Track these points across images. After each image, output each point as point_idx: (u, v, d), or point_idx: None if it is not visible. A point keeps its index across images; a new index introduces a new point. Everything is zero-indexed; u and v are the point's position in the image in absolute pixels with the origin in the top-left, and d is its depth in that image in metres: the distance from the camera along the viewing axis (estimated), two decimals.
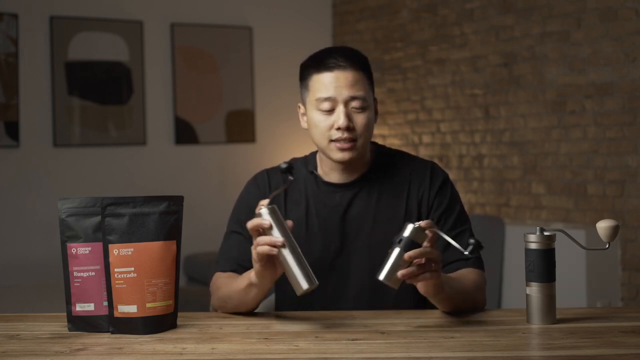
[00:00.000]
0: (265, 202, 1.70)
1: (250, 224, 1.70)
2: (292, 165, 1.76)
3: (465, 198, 5.04)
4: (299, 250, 1.70)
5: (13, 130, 4.98)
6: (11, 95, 4.97)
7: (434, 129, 5.29)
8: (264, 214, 1.69)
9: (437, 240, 1.69)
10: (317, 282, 1.69)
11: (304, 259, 1.69)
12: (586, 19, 4.31)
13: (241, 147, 5.76)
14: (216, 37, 5.68)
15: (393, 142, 5.58)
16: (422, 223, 1.67)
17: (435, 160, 5.25)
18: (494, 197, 4.89)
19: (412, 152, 5.40)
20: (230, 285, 1.87)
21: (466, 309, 1.85)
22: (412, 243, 1.66)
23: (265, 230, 1.68)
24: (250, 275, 1.77)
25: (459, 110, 5.10)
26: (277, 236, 1.68)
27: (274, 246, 1.67)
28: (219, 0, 5.74)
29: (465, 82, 5.05)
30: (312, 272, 1.69)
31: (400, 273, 1.65)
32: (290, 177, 1.74)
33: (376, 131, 5.72)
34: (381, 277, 1.68)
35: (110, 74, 5.33)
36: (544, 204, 4.59)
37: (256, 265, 1.72)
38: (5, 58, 4.95)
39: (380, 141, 5.78)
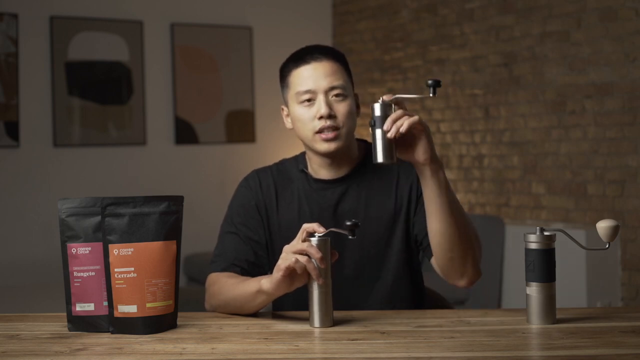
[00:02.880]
0: (322, 230, 1.69)
1: (300, 246, 1.67)
2: (357, 224, 1.70)
3: (465, 198, 5.04)
4: (330, 287, 1.71)
5: (13, 130, 4.98)
6: (11, 95, 4.97)
7: (434, 129, 5.29)
8: (313, 242, 1.68)
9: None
10: (332, 323, 1.71)
11: (331, 297, 1.71)
12: (586, 19, 4.31)
13: (241, 147, 5.76)
14: (216, 37, 5.68)
15: None
16: (384, 97, 1.74)
17: None
18: (494, 197, 4.89)
19: None
20: (235, 287, 1.86)
21: (466, 229, 1.83)
22: (387, 118, 1.73)
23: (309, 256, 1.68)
24: (262, 282, 1.75)
25: (459, 110, 5.10)
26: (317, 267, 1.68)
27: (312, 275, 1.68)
28: (219, 0, 5.74)
29: (465, 82, 5.05)
30: (332, 313, 1.71)
31: (387, 126, 1.71)
32: (349, 237, 1.71)
33: None
34: (379, 159, 1.74)
35: (110, 74, 5.33)
36: (544, 204, 4.59)
37: (277, 274, 1.70)
38: (5, 58, 4.95)
39: None
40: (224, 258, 2.00)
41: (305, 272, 1.70)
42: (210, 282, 1.96)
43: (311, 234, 1.70)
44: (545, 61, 4.54)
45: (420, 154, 1.76)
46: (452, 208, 1.81)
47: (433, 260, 1.91)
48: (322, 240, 1.69)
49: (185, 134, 5.57)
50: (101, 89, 5.30)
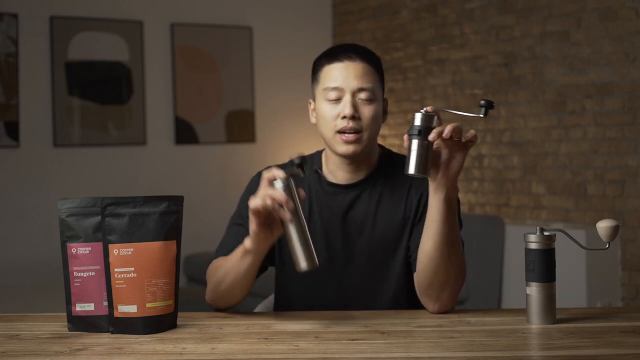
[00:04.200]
0: (281, 174, 1.68)
1: (263, 192, 1.67)
2: (305, 160, 1.71)
3: (465, 198, 5.05)
4: (306, 227, 1.69)
5: (13, 130, 4.98)
6: (11, 95, 4.97)
7: None
8: (277, 187, 1.68)
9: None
10: (317, 262, 1.69)
11: (309, 236, 1.69)
12: (586, 19, 4.31)
13: (241, 147, 5.76)
14: (216, 37, 5.68)
15: (393, 142, 5.58)
16: (428, 108, 1.70)
17: None
18: (494, 197, 4.89)
19: None
20: (225, 261, 1.86)
21: (452, 263, 1.80)
22: (429, 130, 1.68)
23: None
24: (245, 242, 1.76)
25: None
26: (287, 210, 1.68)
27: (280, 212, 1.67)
28: (219, 0, 5.74)
29: (465, 82, 5.05)
30: (314, 252, 1.69)
31: (433, 137, 1.67)
32: (302, 174, 1.71)
33: None
34: (411, 170, 1.70)
35: (110, 74, 5.33)
36: (544, 204, 4.59)
37: (252, 224, 1.70)
38: (5, 58, 4.95)
39: (380, 141, 5.79)
40: (225, 247, 1.98)
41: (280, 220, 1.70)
42: (207, 272, 1.94)
43: (273, 182, 1.69)
44: (545, 61, 4.54)
45: (449, 173, 1.73)
46: (451, 238, 1.79)
47: (415, 275, 1.88)
48: (285, 184, 1.68)
49: (185, 134, 5.57)
50: (101, 89, 5.30)
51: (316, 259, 1.69)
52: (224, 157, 5.71)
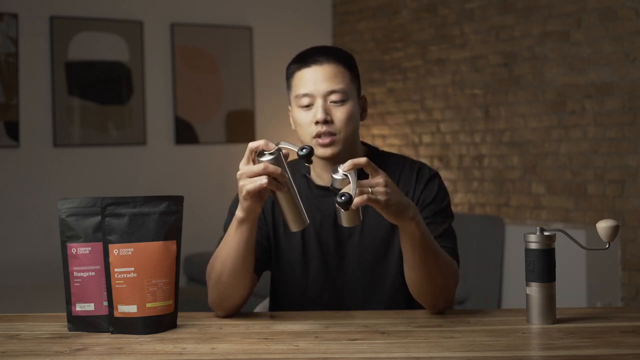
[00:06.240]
0: (271, 145, 1.66)
1: (257, 169, 1.64)
2: (312, 151, 1.66)
3: (465, 198, 5.04)
4: (295, 191, 1.71)
5: (13, 130, 4.98)
6: (11, 95, 4.97)
7: (434, 129, 5.29)
8: (267, 160, 1.66)
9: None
10: (308, 221, 1.73)
11: (299, 198, 1.72)
12: (586, 19, 4.31)
13: (241, 147, 5.72)
14: (216, 37, 5.68)
15: (393, 142, 5.58)
16: (340, 169, 1.67)
17: (435, 161, 5.25)
18: (494, 197, 4.89)
19: (412, 152, 5.40)
20: (220, 248, 1.82)
21: (436, 279, 1.79)
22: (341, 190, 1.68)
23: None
24: (237, 213, 1.74)
25: (459, 110, 5.10)
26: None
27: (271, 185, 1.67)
28: (219, 0, 5.74)
29: (465, 82, 5.05)
30: (304, 212, 1.72)
31: (345, 213, 1.69)
32: (307, 164, 1.70)
33: (376, 131, 5.73)
34: (343, 224, 1.73)
35: (110, 74, 5.33)
36: (544, 204, 4.59)
37: (246, 201, 1.69)
38: (5, 58, 4.95)
39: (380, 141, 5.80)
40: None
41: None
42: (207, 269, 1.89)
43: (260, 153, 1.67)
44: (545, 61, 4.54)
45: (387, 215, 1.70)
46: (426, 259, 1.77)
47: None
48: (275, 157, 1.67)
49: (185, 134, 5.57)
50: (101, 89, 5.30)
51: (306, 217, 1.72)
52: (224, 157, 5.71)
